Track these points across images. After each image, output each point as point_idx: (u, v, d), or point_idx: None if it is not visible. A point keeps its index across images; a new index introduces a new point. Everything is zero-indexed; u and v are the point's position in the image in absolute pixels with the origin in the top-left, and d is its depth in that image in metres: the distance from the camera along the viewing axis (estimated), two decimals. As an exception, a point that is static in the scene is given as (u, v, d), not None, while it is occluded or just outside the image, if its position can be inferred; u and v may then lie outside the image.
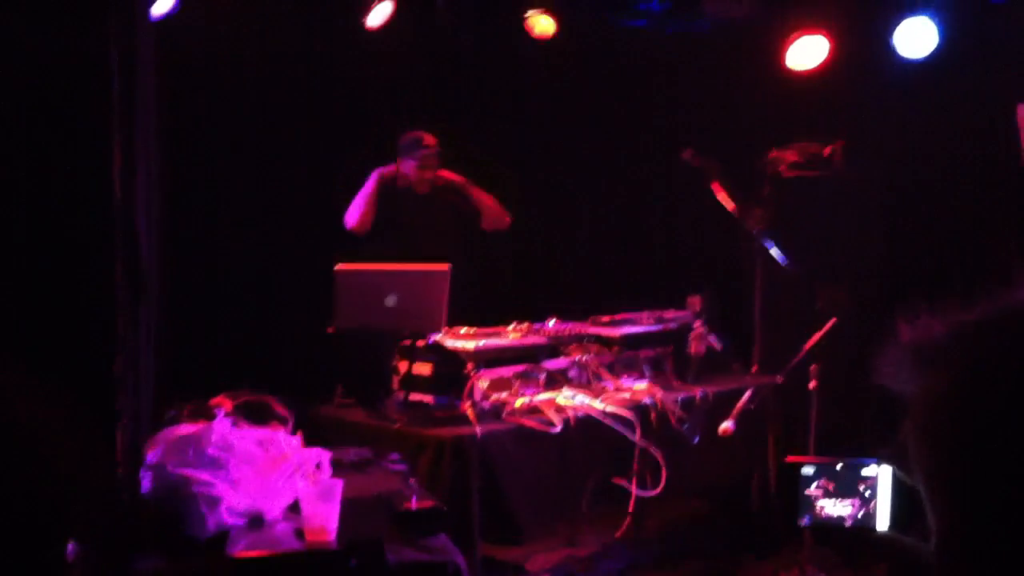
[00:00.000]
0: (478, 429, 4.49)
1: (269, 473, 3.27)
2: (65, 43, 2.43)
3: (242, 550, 2.98)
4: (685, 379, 5.48)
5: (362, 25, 6.16)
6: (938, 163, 6.43)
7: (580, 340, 5.33)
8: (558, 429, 4.63)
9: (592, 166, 7.58)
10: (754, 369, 5.76)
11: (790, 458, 2.00)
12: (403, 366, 4.83)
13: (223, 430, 3.30)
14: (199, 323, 5.88)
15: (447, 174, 5.88)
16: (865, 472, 1.94)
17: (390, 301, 4.77)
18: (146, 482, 3.06)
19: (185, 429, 3.31)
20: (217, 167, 6.25)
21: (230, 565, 2.94)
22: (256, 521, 3.16)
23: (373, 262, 5.20)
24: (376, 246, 5.69)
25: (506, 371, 4.90)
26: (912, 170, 6.51)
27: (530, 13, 6.48)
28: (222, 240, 6.27)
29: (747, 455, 5.49)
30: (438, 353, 4.79)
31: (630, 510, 4.83)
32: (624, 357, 5.40)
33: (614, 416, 4.82)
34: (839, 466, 1.96)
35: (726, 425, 4.80)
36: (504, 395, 4.82)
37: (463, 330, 5.15)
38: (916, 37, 6.04)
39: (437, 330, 4.91)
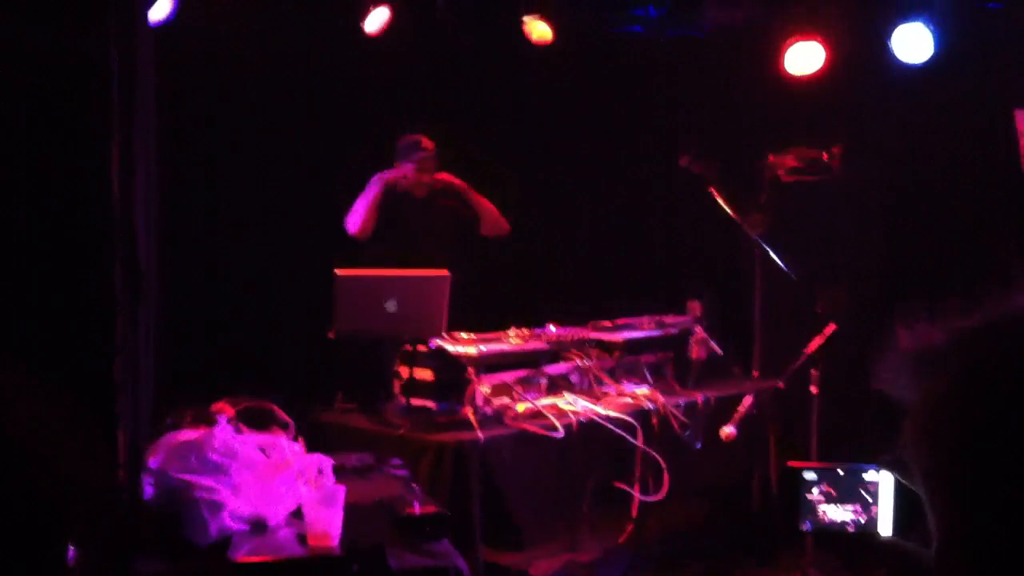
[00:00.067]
0: (480, 434, 4.48)
1: (271, 479, 3.27)
2: (65, 43, 2.42)
3: (244, 555, 2.98)
4: (686, 384, 5.49)
5: (361, 28, 6.16)
6: (937, 165, 6.43)
7: (581, 345, 5.32)
8: (560, 434, 4.62)
9: (591, 170, 7.58)
10: (755, 374, 5.75)
11: (791, 463, 2.00)
12: (404, 371, 4.83)
13: (225, 436, 3.30)
14: (200, 328, 5.88)
15: (447, 177, 5.87)
16: (867, 477, 1.93)
17: (390, 306, 4.76)
18: (148, 487, 3.06)
19: (187, 435, 3.31)
20: (216, 169, 6.25)
21: (233, 570, 2.94)
22: (258, 526, 3.16)
23: (372, 266, 5.19)
24: (375, 250, 5.68)
25: (507, 376, 4.90)
26: (911, 172, 6.51)
27: (527, 19, 6.48)
28: (222, 243, 6.26)
29: (748, 459, 5.49)
30: (440, 358, 4.79)
31: (633, 515, 4.82)
32: (625, 362, 5.41)
33: (616, 421, 4.82)
34: (840, 471, 1.96)
35: (728, 430, 4.80)
36: (506, 400, 4.81)
37: (464, 335, 5.15)
38: (913, 42, 6.04)
39: (437, 335, 4.90)
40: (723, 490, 5.53)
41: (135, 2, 2.52)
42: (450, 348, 4.87)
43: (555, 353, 5.21)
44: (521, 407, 4.80)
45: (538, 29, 6.50)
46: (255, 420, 3.70)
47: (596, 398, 5.03)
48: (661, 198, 7.69)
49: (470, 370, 4.75)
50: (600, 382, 5.20)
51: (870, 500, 1.92)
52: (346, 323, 4.75)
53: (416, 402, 4.76)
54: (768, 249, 5.54)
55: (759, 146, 6.25)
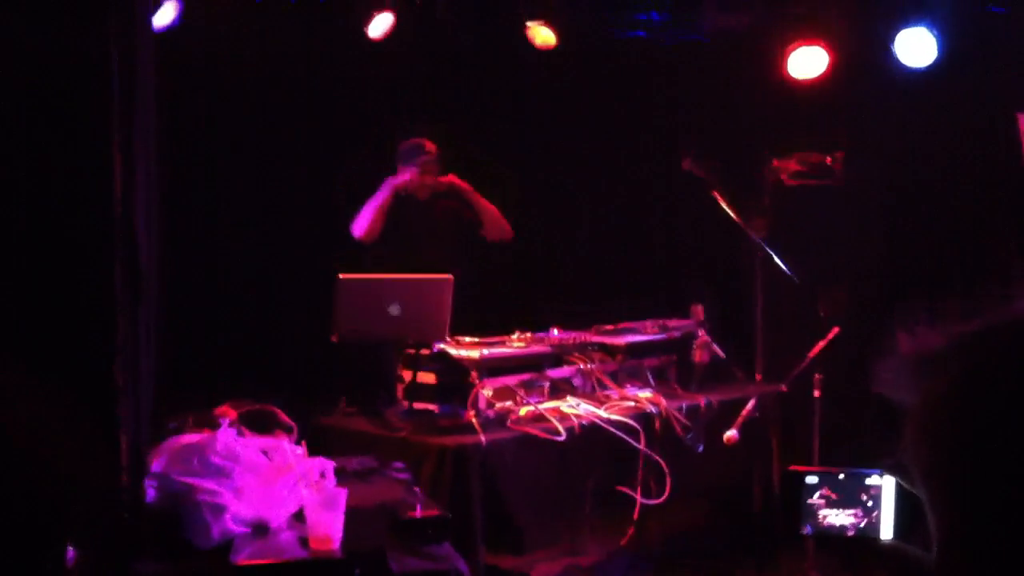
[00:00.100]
0: (483, 438, 4.48)
1: (273, 482, 3.27)
2: (65, 43, 2.42)
3: (246, 558, 2.98)
4: (689, 387, 5.48)
5: (363, 31, 6.17)
6: (938, 169, 6.44)
7: (584, 349, 5.32)
8: (563, 437, 4.62)
9: (593, 172, 7.58)
10: (758, 377, 5.75)
11: (793, 467, 1.99)
12: (407, 375, 4.84)
13: (227, 439, 3.30)
14: (201, 330, 5.88)
15: (452, 179, 5.86)
16: (868, 482, 1.93)
17: (393, 310, 4.76)
18: (151, 491, 3.06)
19: (189, 438, 3.31)
20: (217, 170, 6.26)
21: (234, 573, 2.94)
22: (260, 529, 3.16)
23: (375, 268, 5.19)
24: (378, 252, 5.68)
25: (510, 380, 4.89)
26: (913, 175, 6.51)
27: (531, 24, 6.48)
28: (223, 245, 6.26)
29: (750, 462, 5.48)
30: (442, 362, 4.79)
31: (635, 518, 4.82)
32: (628, 366, 5.40)
33: (618, 424, 4.81)
34: (842, 476, 1.95)
35: (731, 433, 4.80)
36: (508, 404, 4.81)
37: (466, 339, 5.15)
38: (916, 46, 6.04)
39: (440, 339, 4.90)
40: (724, 493, 5.52)
41: (135, 2, 2.52)
42: (453, 352, 4.87)
43: (558, 357, 5.21)
44: (524, 410, 4.80)
45: (542, 34, 6.51)
46: (257, 423, 3.71)
47: (599, 401, 5.03)
48: (663, 201, 7.69)
49: (473, 374, 4.75)
50: (603, 385, 5.20)
51: (871, 504, 1.91)
52: (348, 326, 4.75)
53: (419, 405, 4.77)
54: (771, 252, 5.54)
55: (762, 150, 6.26)
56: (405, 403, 4.83)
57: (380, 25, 6.18)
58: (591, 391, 5.16)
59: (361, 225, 5.70)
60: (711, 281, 6.58)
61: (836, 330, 4.99)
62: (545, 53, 6.57)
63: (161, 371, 3.07)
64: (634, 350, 5.45)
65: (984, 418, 1.05)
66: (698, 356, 5.59)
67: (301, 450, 3.62)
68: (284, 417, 3.82)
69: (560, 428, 4.65)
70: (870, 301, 5.89)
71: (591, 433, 4.75)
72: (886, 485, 1.91)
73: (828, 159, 6.26)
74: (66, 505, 1.29)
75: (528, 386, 4.94)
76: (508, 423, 4.70)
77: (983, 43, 6.11)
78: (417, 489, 3.72)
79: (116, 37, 2.45)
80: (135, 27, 2.50)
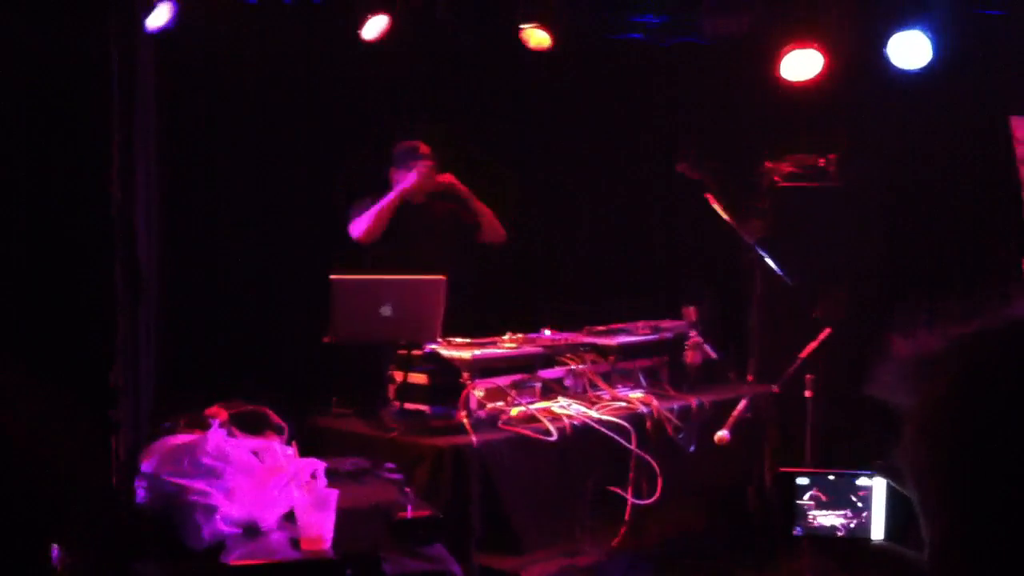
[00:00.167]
0: (474, 438, 4.48)
1: (264, 483, 3.27)
2: (65, 43, 2.42)
3: (238, 559, 2.97)
4: (681, 388, 5.48)
5: (359, 32, 6.16)
6: (934, 171, 6.45)
7: (576, 350, 5.33)
8: (554, 438, 4.62)
9: (590, 173, 7.58)
10: (750, 378, 5.75)
11: (784, 468, 2.00)
12: (399, 376, 4.83)
13: (218, 440, 3.29)
14: (195, 332, 5.87)
15: (450, 179, 5.85)
16: (859, 483, 1.94)
17: (386, 311, 4.76)
18: (141, 491, 3.05)
19: (180, 439, 3.31)
20: (216, 171, 6.24)
21: (226, 574, 2.94)
22: (252, 530, 3.16)
23: (370, 268, 5.18)
24: (374, 252, 5.67)
25: (502, 380, 4.89)
26: (908, 177, 6.52)
27: (525, 26, 6.48)
28: (220, 246, 6.25)
29: (745, 463, 5.48)
30: (434, 363, 4.79)
31: (626, 518, 4.82)
32: (620, 367, 5.40)
33: (610, 425, 4.82)
34: (832, 477, 1.96)
35: (722, 434, 4.79)
36: (500, 404, 4.81)
37: (458, 339, 5.15)
38: (910, 49, 6.05)
39: (433, 340, 4.90)
40: (720, 494, 5.53)
41: (135, 3, 2.52)
42: (445, 352, 4.87)
43: (550, 357, 5.21)
44: (515, 411, 4.80)
45: (536, 36, 6.51)
46: (249, 424, 3.71)
47: (590, 402, 5.03)
48: (661, 202, 7.69)
49: (464, 374, 4.74)
50: (594, 386, 5.20)
51: (861, 505, 1.92)
52: (341, 327, 4.74)
53: (410, 406, 4.76)
54: (764, 255, 5.55)
55: (757, 152, 6.26)
56: (397, 404, 4.82)
57: (374, 27, 6.17)
58: (583, 392, 5.16)
59: (361, 227, 5.66)
60: (710, 282, 6.59)
61: (828, 331, 4.99)
62: (543, 54, 6.57)
63: (160, 375, 3.07)
64: (626, 351, 5.44)
65: (984, 419, 1.05)
66: (690, 357, 5.60)
67: (292, 451, 3.62)
68: (275, 418, 3.82)
69: (551, 428, 4.65)
70: (868, 302, 5.90)
71: (583, 434, 4.76)
72: (876, 486, 1.92)
73: (822, 161, 6.28)
74: (61, 506, 1.29)
75: (519, 387, 4.94)
76: (499, 424, 4.70)
77: (977, 46, 6.12)
78: (409, 490, 3.73)
79: (116, 37, 2.45)
80: (135, 27, 2.50)
